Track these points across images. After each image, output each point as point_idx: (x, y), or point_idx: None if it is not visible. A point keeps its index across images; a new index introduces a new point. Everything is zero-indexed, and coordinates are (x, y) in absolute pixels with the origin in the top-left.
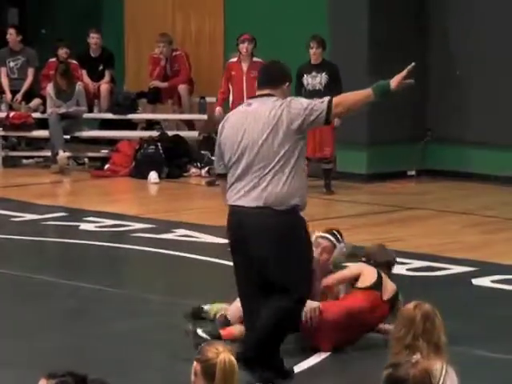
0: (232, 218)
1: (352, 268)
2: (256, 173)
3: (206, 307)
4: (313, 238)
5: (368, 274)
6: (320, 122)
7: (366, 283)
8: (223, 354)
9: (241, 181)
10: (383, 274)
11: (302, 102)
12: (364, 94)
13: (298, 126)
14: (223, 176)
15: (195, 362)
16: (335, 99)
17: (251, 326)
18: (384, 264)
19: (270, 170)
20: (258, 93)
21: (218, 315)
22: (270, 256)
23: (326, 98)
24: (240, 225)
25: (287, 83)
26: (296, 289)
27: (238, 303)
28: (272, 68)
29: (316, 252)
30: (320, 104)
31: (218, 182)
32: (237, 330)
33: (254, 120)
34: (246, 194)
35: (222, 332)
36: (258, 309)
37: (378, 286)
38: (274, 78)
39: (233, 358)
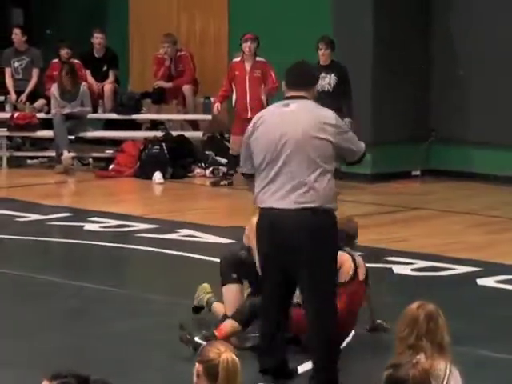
0: (266, 221)
1: None
2: (295, 174)
3: (198, 300)
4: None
5: (345, 265)
6: (351, 159)
7: (347, 276)
8: (225, 354)
9: (276, 182)
10: (355, 256)
11: (347, 129)
12: None
13: (338, 146)
14: (250, 176)
15: (197, 364)
16: None
17: (269, 325)
18: (352, 236)
19: (311, 174)
20: (290, 94)
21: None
22: (309, 256)
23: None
24: (275, 227)
25: (316, 85)
26: (329, 290)
27: (229, 296)
28: (304, 69)
29: None
30: (359, 143)
31: (246, 182)
32: (228, 325)
33: (295, 122)
34: (284, 196)
35: (217, 334)
36: (278, 311)
37: (356, 272)
38: (307, 80)
39: (235, 357)
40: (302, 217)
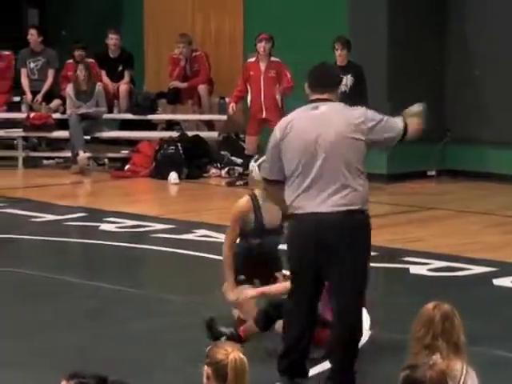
0: (305, 225)
1: None
2: (334, 176)
3: None
4: None
5: None
6: (393, 143)
7: None
8: (233, 354)
9: (315, 186)
10: None
11: (379, 118)
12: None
13: (372, 141)
14: (277, 183)
15: (206, 366)
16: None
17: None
18: None
19: (349, 176)
20: (315, 96)
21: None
22: (347, 256)
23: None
24: (316, 230)
25: (340, 86)
26: (360, 290)
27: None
28: (327, 71)
29: None
30: (394, 126)
31: (270, 190)
32: (250, 328)
33: (326, 124)
34: (324, 200)
35: (242, 334)
36: (305, 313)
37: None
38: (331, 81)
39: (243, 356)
40: (342, 218)
